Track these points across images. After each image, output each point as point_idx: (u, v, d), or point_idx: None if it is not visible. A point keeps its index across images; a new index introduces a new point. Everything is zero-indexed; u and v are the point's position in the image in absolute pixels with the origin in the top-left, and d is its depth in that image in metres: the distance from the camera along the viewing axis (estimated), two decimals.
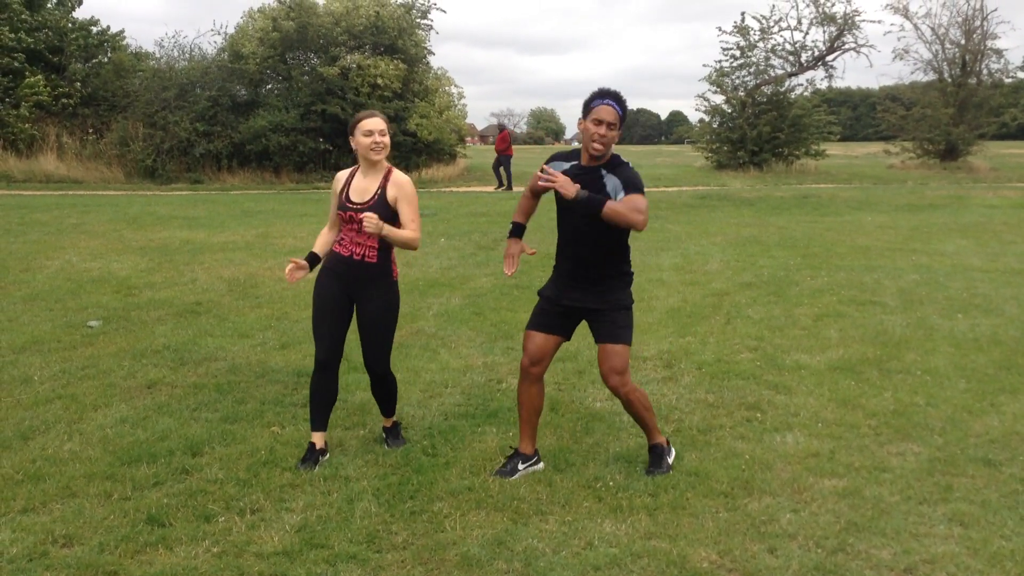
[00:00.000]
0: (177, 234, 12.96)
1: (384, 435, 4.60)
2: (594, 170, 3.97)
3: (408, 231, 4.16)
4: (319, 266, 4.39)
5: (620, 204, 3.81)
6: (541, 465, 4.23)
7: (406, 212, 4.18)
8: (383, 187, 4.18)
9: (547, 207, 4.27)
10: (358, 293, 4.25)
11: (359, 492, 3.91)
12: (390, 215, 4.15)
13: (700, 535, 3.53)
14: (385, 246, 4.22)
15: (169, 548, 3.40)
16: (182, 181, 23.95)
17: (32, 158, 24.16)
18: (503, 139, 24.56)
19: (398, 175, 4.25)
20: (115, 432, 4.65)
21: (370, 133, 4.15)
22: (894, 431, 4.75)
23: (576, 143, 4.12)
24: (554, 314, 4.15)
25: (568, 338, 4.25)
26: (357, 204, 4.17)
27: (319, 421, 4.33)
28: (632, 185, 3.88)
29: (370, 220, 4.01)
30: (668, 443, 4.29)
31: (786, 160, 30.48)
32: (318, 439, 4.32)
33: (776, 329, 7.08)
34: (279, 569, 3.25)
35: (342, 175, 4.35)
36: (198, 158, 24.28)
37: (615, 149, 4.02)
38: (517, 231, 4.33)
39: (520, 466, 4.17)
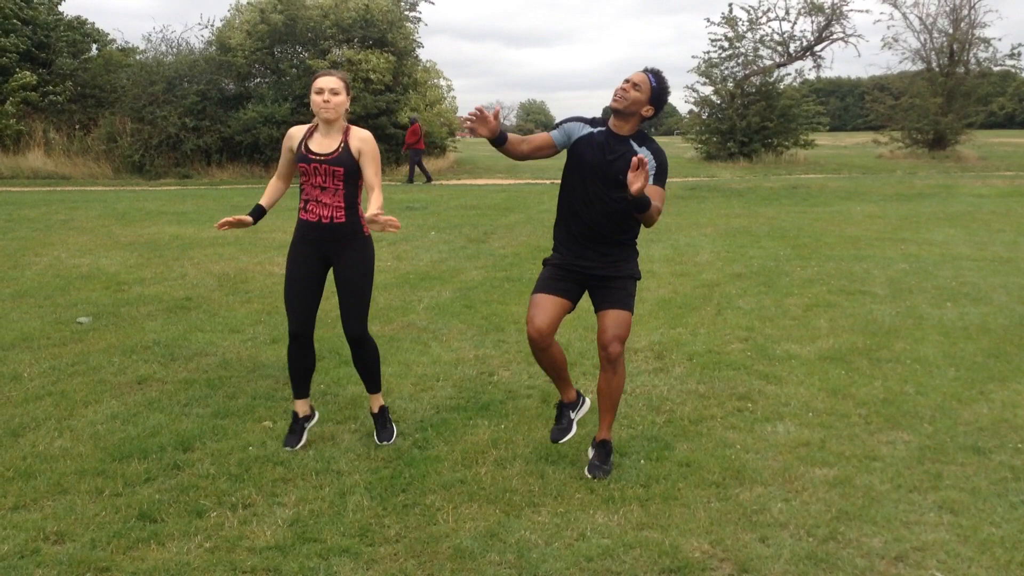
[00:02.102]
0: (166, 229, 12.91)
1: (374, 424, 4.53)
2: (625, 140, 4.01)
3: (376, 192, 4.06)
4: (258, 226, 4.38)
5: (654, 203, 3.87)
6: (588, 401, 4.47)
7: (370, 169, 4.15)
8: (345, 140, 4.17)
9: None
10: (333, 255, 4.23)
11: (351, 486, 3.91)
12: (353, 166, 4.15)
13: (692, 525, 3.54)
14: (352, 204, 4.19)
15: (161, 544, 3.39)
16: (171, 176, 23.85)
17: (19, 154, 24.05)
18: (413, 132, 23.47)
19: (358, 130, 4.21)
20: (106, 428, 4.63)
21: (320, 91, 4.11)
22: (884, 420, 4.78)
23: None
24: (563, 279, 4.10)
25: (574, 306, 4.18)
26: (320, 155, 4.16)
27: (300, 389, 4.45)
28: (661, 173, 3.98)
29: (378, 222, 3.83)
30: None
31: (775, 150, 30.56)
32: (300, 406, 4.45)
33: (766, 319, 7.10)
34: (272, 563, 3.24)
35: (297, 130, 4.30)
36: (187, 153, 24.16)
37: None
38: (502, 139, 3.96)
39: (572, 414, 4.35)
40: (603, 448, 4.12)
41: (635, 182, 3.61)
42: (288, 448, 4.33)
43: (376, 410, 4.55)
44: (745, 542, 3.40)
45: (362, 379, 4.56)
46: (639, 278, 4.19)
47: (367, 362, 4.45)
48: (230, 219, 4.21)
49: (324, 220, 4.18)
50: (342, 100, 4.14)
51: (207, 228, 13.07)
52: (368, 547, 3.38)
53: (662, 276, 9.03)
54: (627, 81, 3.97)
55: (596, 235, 4.05)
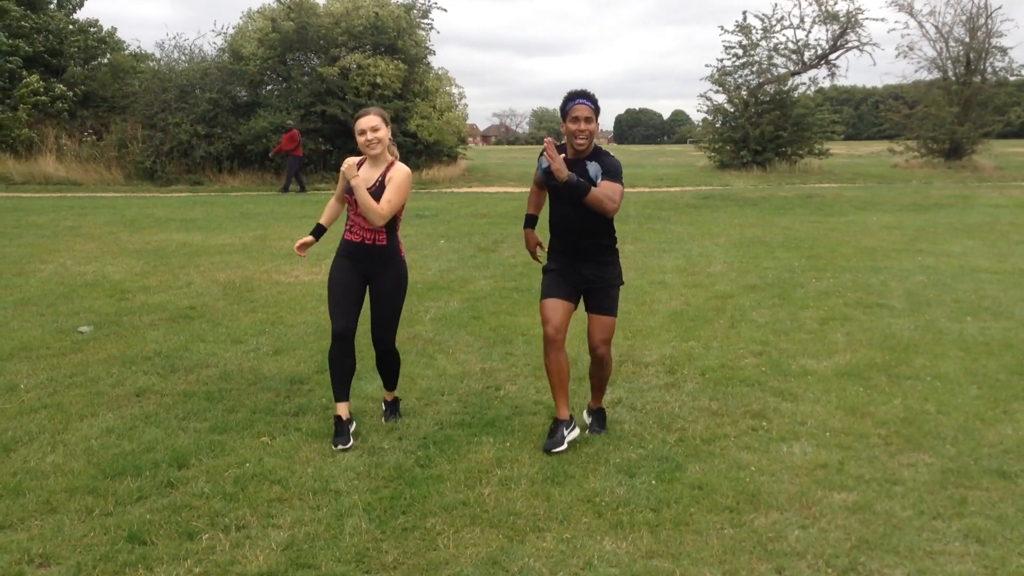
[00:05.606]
0: (174, 236, 12.83)
1: (384, 408, 4.97)
2: (579, 162, 4.39)
3: (377, 204, 4.43)
4: (316, 243, 4.84)
5: (598, 190, 4.25)
6: (578, 429, 4.61)
7: (388, 192, 4.48)
8: (383, 176, 4.53)
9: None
10: (372, 273, 4.60)
11: (349, 507, 3.76)
12: None
13: (704, 554, 3.37)
14: (392, 229, 4.59)
15: (149, 568, 3.25)
16: (182, 183, 23.79)
17: (31, 160, 24.00)
18: (291, 138, 22.21)
19: (398, 166, 4.58)
20: (100, 443, 4.50)
21: (362, 132, 4.49)
22: (904, 440, 4.59)
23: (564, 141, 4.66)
24: (564, 283, 4.52)
25: (576, 306, 4.59)
26: None
27: (341, 392, 4.61)
28: (611, 171, 4.35)
29: (350, 165, 4.45)
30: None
31: (789, 159, 30.28)
32: (342, 410, 4.59)
33: (781, 333, 6.92)
34: None
35: (353, 160, 4.58)
36: (198, 160, 24.12)
37: (606, 148, 4.48)
38: (531, 222, 4.85)
39: (565, 432, 4.45)
40: (600, 414, 4.79)
41: (553, 163, 4.10)
42: (340, 447, 4.42)
43: (390, 400, 4.98)
44: (760, 572, 3.23)
45: (382, 378, 4.96)
46: (620, 284, 4.64)
47: (390, 367, 4.86)
48: (303, 244, 4.72)
49: (367, 242, 4.56)
50: (383, 133, 4.51)
51: (215, 235, 12.98)
52: (364, 574, 3.22)
53: (674, 287, 8.85)
54: (577, 120, 4.30)
55: (579, 246, 4.50)
